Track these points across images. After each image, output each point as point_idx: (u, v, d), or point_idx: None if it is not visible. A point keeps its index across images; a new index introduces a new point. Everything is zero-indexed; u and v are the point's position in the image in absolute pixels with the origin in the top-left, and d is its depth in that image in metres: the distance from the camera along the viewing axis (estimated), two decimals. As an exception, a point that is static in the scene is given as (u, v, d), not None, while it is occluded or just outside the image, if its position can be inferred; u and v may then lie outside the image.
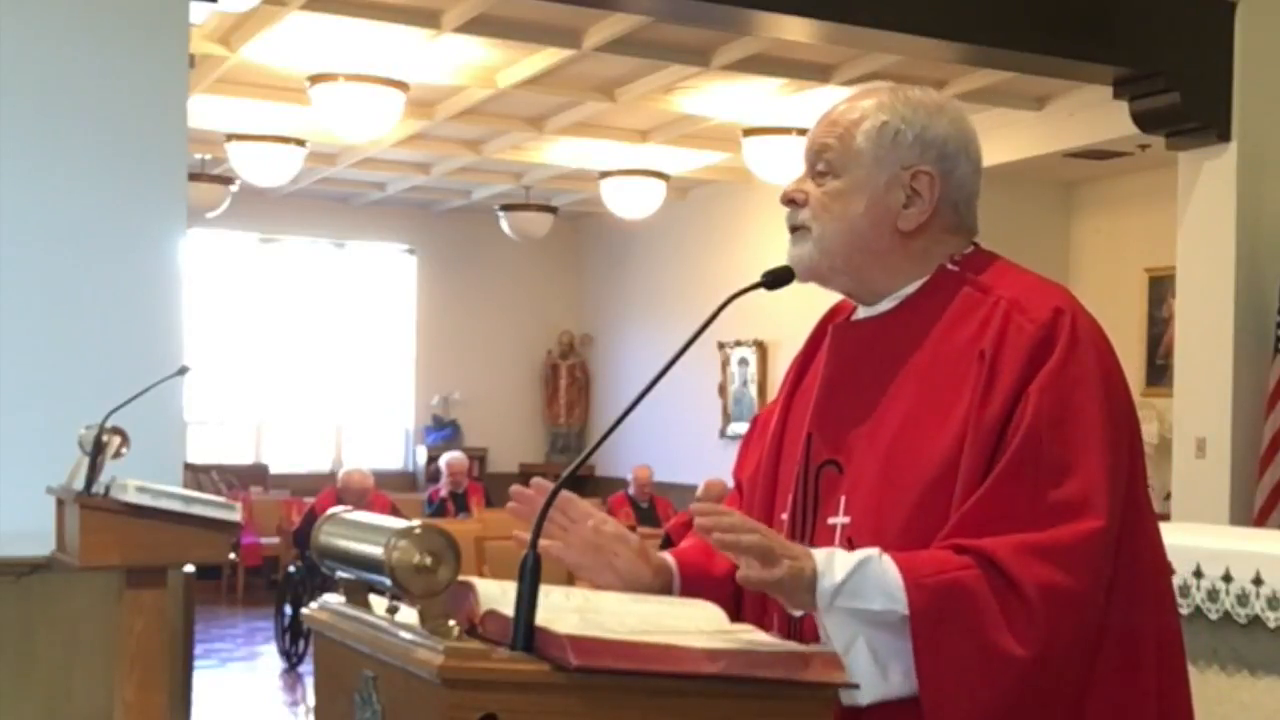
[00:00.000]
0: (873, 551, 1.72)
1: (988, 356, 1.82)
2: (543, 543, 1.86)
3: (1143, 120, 7.06)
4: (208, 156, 10.97)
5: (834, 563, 1.70)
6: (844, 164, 1.96)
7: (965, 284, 1.93)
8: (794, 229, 2.00)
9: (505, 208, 12.61)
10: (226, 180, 11.17)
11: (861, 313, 2.03)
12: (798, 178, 2.03)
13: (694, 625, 1.65)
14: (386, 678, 1.57)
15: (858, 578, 1.69)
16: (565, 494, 1.96)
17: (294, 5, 7.12)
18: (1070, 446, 1.76)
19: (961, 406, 1.82)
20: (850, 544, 1.86)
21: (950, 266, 1.96)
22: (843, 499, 1.90)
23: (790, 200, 2.01)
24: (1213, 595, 3.05)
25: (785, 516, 1.99)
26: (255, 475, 13.71)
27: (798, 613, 1.82)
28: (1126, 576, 1.79)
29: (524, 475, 15.51)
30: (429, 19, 7.45)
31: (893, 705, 1.71)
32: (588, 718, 1.48)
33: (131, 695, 3.73)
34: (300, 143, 10.05)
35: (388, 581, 1.52)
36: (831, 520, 1.91)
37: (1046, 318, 1.83)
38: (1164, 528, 1.92)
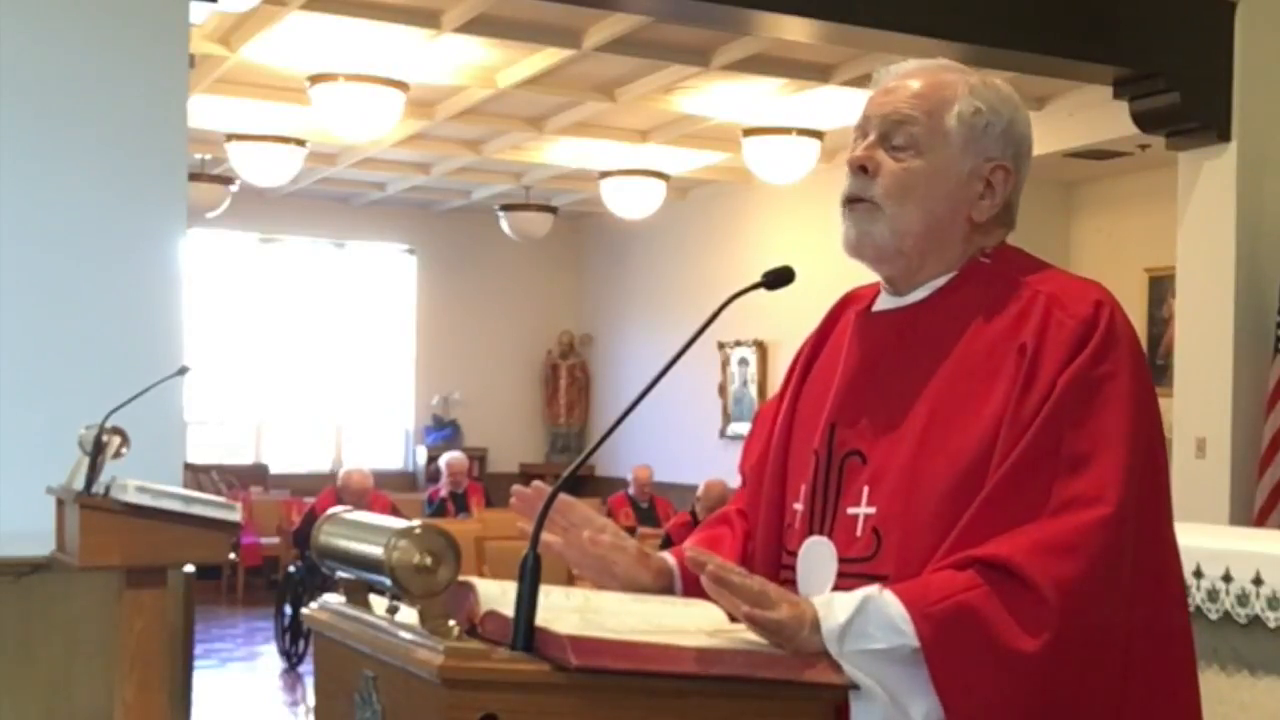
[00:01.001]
0: (871, 589, 1.68)
1: (1029, 351, 1.79)
2: (545, 536, 1.86)
3: (1143, 120, 7.06)
4: (208, 156, 10.97)
5: (834, 606, 1.66)
6: (930, 143, 1.89)
7: (1000, 278, 1.90)
8: (858, 200, 1.92)
9: (505, 208, 12.60)
10: (226, 180, 11.17)
11: (887, 302, 1.99)
12: (866, 143, 1.93)
13: (694, 625, 1.65)
14: (386, 678, 1.57)
15: (861, 619, 1.65)
16: (564, 498, 1.94)
17: (294, 5, 7.12)
18: (1090, 441, 1.74)
19: (996, 399, 1.80)
20: (876, 534, 1.84)
21: (983, 259, 1.93)
22: (866, 489, 1.87)
23: (861, 167, 1.92)
24: (1213, 595, 3.04)
25: (799, 506, 1.96)
26: (255, 475, 13.71)
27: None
28: (1151, 579, 1.78)
29: (524, 475, 15.53)
30: (429, 19, 7.45)
31: None
32: (588, 718, 1.48)
33: (131, 695, 3.73)
34: (300, 143, 10.05)
35: (388, 581, 1.53)
36: (852, 510, 1.87)
37: (1088, 313, 1.80)
38: (1166, 528, 1.91)
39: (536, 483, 1.97)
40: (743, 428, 12.35)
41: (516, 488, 1.95)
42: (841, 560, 1.87)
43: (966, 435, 1.80)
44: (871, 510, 1.86)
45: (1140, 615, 1.76)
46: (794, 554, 1.95)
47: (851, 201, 1.93)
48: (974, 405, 1.82)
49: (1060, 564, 1.67)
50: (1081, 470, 1.73)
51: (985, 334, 1.86)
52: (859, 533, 1.86)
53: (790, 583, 1.90)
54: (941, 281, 1.94)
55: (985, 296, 1.89)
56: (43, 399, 4.71)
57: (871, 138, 1.93)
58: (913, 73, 1.95)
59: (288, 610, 9.37)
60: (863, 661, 1.64)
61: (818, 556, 1.90)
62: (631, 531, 9.27)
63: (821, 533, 1.91)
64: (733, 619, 1.67)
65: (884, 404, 1.90)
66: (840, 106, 8.84)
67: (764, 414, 2.17)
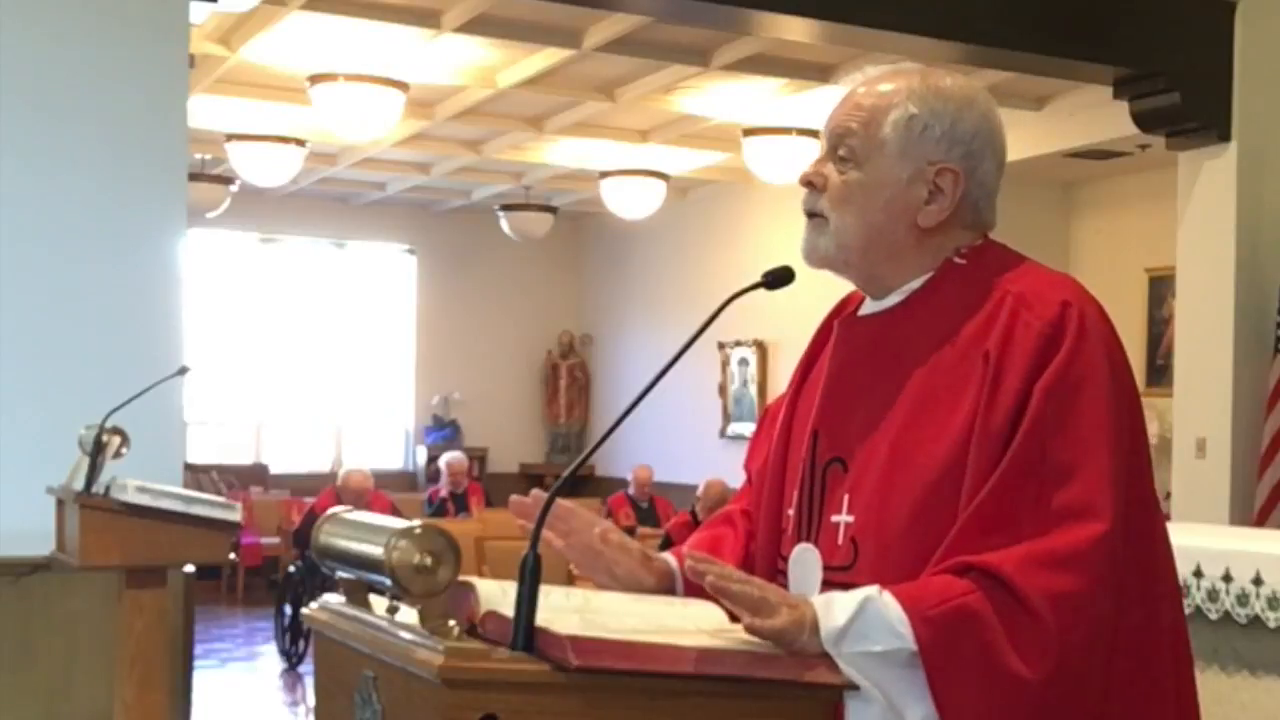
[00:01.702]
0: (871, 590, 1.68)
1: (993, 358, 1.78)
2: (545, 534, 1.86)
3: (1143, 120, 7.06)
4: (208, 156, 10.97)
5: (833, 607, 1.66)
6: (867, 153, 1.90)
7: (971, 278, 1.89)
8: (811, 215, 1.95)
9: (505, 208, 12.60)
10: (226, 180, 11.17)
11: (867, 307, 2.00)
12: (817, 158, 1.96)
13: (695, 625, 1.65)
14: (386, 678, 1.57)
15: (860, 621, 1.64)
16: (568, 506, 1.97)
17: (294, 5, 7.12)
18: (1074, 448, 1.73)
19: (965, 407, 1.79)
20: (854, 543, 1.85)
21: (957, 260, 1.92)
22: (846, 497, 1.87)
23: (808, 183, 1.95)
24: (1213, 595, 3.04)
25: (791, 512, 1.97)
26: (255, 475, 13.70)
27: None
28: (1140, 576, 1.76)
29: (524, 475, 15.48)
30: (429, 19, 7.44)
31: None
32: (588, 718, 1.48)
33: (131, 695, 3.73)
34: (300, 143, 10.05)
35: (388, 581, 1.53)
36: (835, 518, 1.88)
37: (1054, 315, 1.79)
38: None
39: (536, 491, 1.97)
40: (743, 428, 12.36)
41: (515, 497, 1.95)
42: (826, 568, 1.88)
43: (936, 445, 1.80)
44: (850, 519, 1.87)
45: (1132, 616, 1.75)
46: (787, 559, 1.95)
47: (808, 217, 1.96)
48: (943, 414, 1.81)
49: (1055, 580, 1.66)
50: (1068, 480, 1.72)
51: (956, 338, 1.85)
52: (840, 541, 1.87)
53: (785, 587, 1.90)
54: (916, 284, 1.93)
55: (957, 298, 1.88)
56: (43, 399, 4.71)
57: (823, 152, 1.96)
58: (866, 81, 1.96)
59: (288, 610, 9.37)
60: (861, 664, 1.64)
61: (804, 565, 1.91)
62: (631, 531, 9.27)
63: (809, 540, 1.91)
64: (733, 618, 1.67)
65: (861, 411, 1.90)
66: (840, 106, 8.83)
67: (768, 415, 2.18)
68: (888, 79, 1.94)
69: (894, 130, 1.89)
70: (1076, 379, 1.76)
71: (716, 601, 1.68)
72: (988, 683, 1.64)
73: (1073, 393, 1.76)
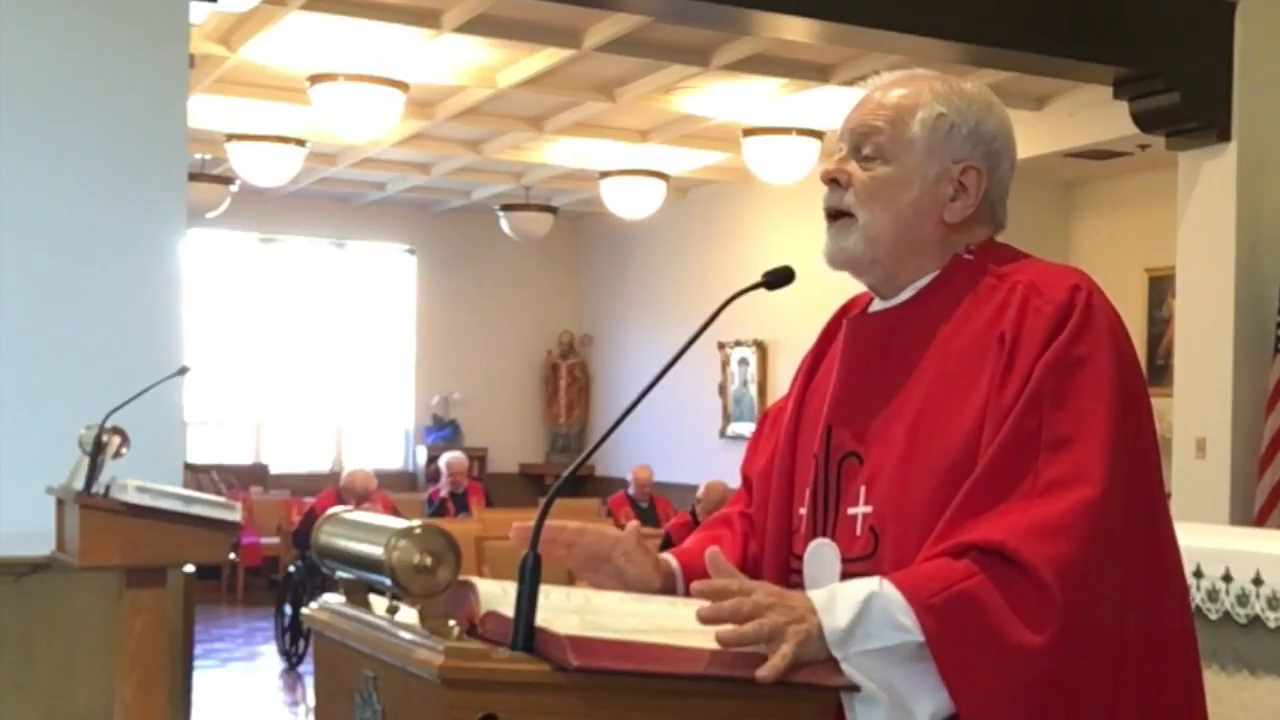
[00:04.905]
0: (873, 584, 1.68)
1: (1008, 340, 1.81)
2: (546, 549, 1.86)
3: (1143, 120, 7.06)
4: (208, 156, 10.97)
5: (836, 606, 1.65)
6: (895, 150, 1.93)
7: (981, 271, 1.92)
8: (836, 214, 1.96)
9: (505, 208, 12.60)
10: (226, 180, 11.17)
11: (877, 305, 2.02)
12: (837, 157, 1.99)
13: (694, 625, 1.65)
14: (386, 678, 1.57)
15: (865, 621, 1.64)
16: (576, 528, 1.97)
17: (294, 5, 7.13)
18: (1071, 421, 1.75)
19: (980, 391, 1.81)
20: (873, 533, 1.86)
21: (965, 255, 1.95)
22: (862, 489, 1.89)
23: (833, 180, 1.97)
24: (1213, 595, 3.04)
25: (804, 510, 1.98)
26: (255, 475, 13.71)
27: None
28: (1150, 570, 1.77)
29: (524, 475, 15.44)
30: (429, 19, 7.45)
31: None
32: (588, 718, 1.48)
33: (131, 695, 3.73)
34: (300, 143, 10.05)
35: (388, 581, 1.52)
36: (852, 510, 1.89)
37: (1064, 298, 1.82)
38: (1165, 527, 1.90)
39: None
40: (743, 428, 12.36)
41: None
42: (844, 560, 1.88)
43: (953, 430, 1.82)
44: (868, 509, 1.88)
45: (1152, 612, 1.75)
46: (800, 558, 1.96)
47: (831, 216, 1.98)
48: (959, 399, 1.83)
49: (1054, 547, 1.67)
50: (1063, 451, 1.74)
51: (968, 328, 1.88)
52: (859, 532, 1.88)
53: (799, 586, 1.91)
54: (925, 281, 1.96)
55: (967, 291, 1.91)
56: (43, 399, 4.71)
57: (844, 151, 1.98)
58: (883, 84, 2.00)
59: (288, 610, 9.38)
60: (868, 663, 1.63)
61: (821, 558, 1.92)
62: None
63: (824, 535, 1.92)
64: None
65: (876, 405, 1.92)
66: (840, 106, 8.80)
67: (768, 419, 2.19)
68: (904, 82, 1.98)
69: (922, 128, 1.93)
70: (1078, 356, 1.79)
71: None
72: (997, 662, 1.64)
73: (1074, 369, 1.78)
